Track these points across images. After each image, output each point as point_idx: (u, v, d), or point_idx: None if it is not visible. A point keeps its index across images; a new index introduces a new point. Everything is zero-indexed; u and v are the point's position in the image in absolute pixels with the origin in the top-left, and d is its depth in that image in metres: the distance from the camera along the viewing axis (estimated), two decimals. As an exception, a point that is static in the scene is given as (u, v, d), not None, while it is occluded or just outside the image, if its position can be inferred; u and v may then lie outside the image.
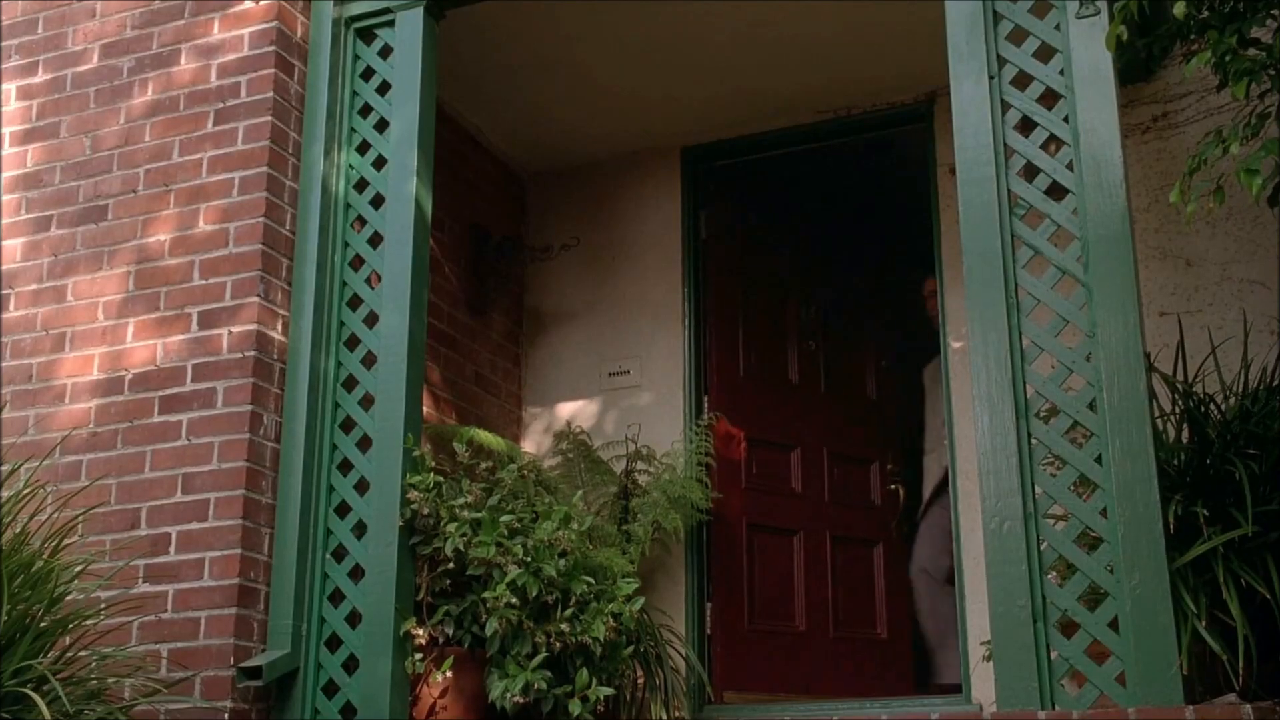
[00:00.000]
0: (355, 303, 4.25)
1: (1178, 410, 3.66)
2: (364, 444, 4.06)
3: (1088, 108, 3.54)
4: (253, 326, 4.06)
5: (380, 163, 4.32)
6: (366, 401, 4.12)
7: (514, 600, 3.67)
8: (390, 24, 4.42)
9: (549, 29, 5.09)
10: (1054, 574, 3.37)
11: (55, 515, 3.57)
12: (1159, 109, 4.83)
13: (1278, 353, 3.78)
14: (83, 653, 3.48)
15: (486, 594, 3.70)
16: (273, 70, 4.29)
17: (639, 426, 5.51)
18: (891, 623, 5.76)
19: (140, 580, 3.89)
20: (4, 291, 4.44)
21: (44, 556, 3.39)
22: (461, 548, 3.76)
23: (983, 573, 3.63)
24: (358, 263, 4.28)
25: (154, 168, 4.38)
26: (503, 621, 3.67)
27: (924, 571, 5.73)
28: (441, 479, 3.94)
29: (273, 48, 4.31)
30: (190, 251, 4.22)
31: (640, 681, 4.46)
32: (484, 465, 4.06)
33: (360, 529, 3.99)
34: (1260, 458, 3.30)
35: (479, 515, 3.81)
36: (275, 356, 4.11)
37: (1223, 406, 3.59)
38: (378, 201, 4.29)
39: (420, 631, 3.77)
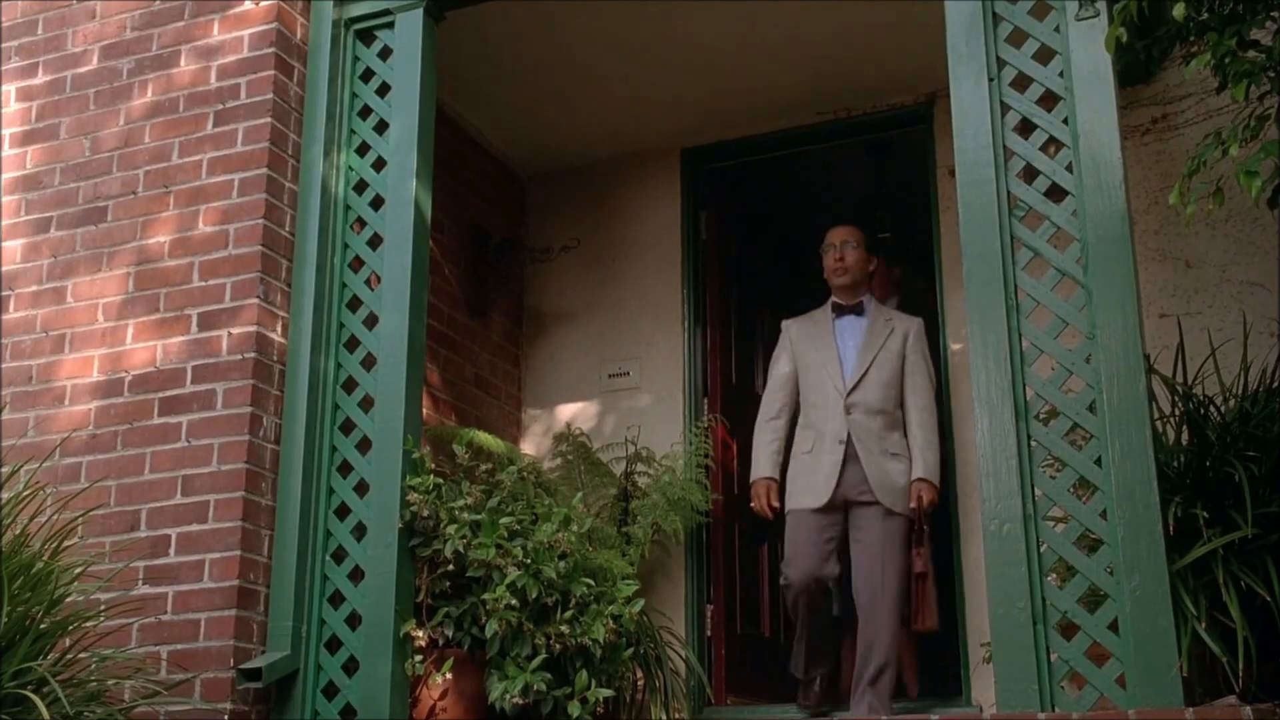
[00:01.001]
0: (355, 304, 4.25)
1: (1177, 412, 3.66)
2: (364, 446, 4.06)
3: (1087, 109, 3.54)
4: (252, 328, 4.05)
5: (380, 164, 4.32)
6: (366, 403, 4.12)
7: (514, 602, 3.67)
8: (390, 25, 4.42)
9: (548, 30, 5.08)
10: (1054, 576, 3.36)
11: (55, 517, 3.57)
12: (1158, 111, 4.83)
13: (1277, 354, 3.77)
14: (82, 654, 3.48)
15: (486, 596, 3.70)
16: (272, 72, 4.29)
17: (638, 428, 5.50)
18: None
19: (140, 582, 3.89)
20: (4, 293, 4.44)
21: (44, 558, 3.39)
22: (461, 549, 3.76)
23: (982, 575, 3.63)
24: (357, 264, 4.28)
25: (154, 169, 4.37)
26: (502, 623, 3.67)
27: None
28: (441, 481, 3.94)
29: (272, 49, 4.31)
30: (190, 253, 4.22)
31: (640, 683, 4.47)
32: (483, 467, 4.06)
33: (360, 531, 3.99)
34: (1260, 460, 3.30)
35: (478, 517, 3.81)
36: (275, 358, 4.11)
37: (1222, 408, 3.58)
38: (377, 203, 4.29)
39: (420, 633, 3.77)
